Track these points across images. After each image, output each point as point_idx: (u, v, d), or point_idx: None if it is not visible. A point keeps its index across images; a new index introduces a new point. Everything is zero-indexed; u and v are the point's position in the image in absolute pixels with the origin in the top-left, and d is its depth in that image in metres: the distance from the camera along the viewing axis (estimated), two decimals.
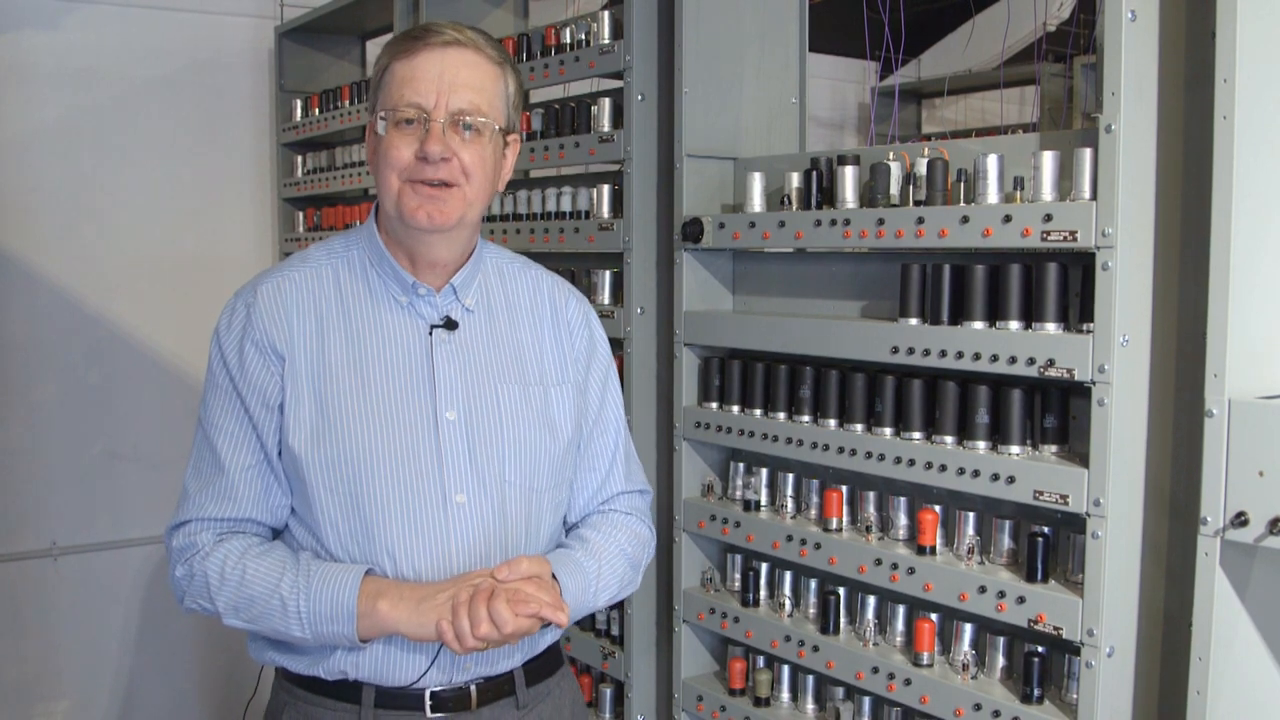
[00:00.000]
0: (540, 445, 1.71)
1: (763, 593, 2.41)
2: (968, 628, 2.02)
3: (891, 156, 2.12)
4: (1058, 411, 1.93)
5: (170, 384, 3.97)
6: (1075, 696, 1.80)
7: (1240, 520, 1.53)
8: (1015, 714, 1.87)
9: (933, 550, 2.04)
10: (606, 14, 2.67)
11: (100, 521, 3.88)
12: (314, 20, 3.99)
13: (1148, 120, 1.73)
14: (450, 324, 1.68)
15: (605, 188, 2.73)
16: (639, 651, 2.65)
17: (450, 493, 1.63)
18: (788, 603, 2.33)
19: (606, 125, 2.71)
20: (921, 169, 2.04)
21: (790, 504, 2.35)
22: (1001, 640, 1.98)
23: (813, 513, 2.31)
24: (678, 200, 2.50)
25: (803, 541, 2.24)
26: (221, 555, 1.61)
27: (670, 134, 2.54)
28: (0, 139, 3.71)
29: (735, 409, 2.42)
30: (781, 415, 2.32)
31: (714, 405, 2.47)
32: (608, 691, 2.76)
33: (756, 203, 2.36)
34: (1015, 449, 1.92)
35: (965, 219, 1.91)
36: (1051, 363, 1.80)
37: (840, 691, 2.27)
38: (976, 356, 1.91)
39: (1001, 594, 1.88)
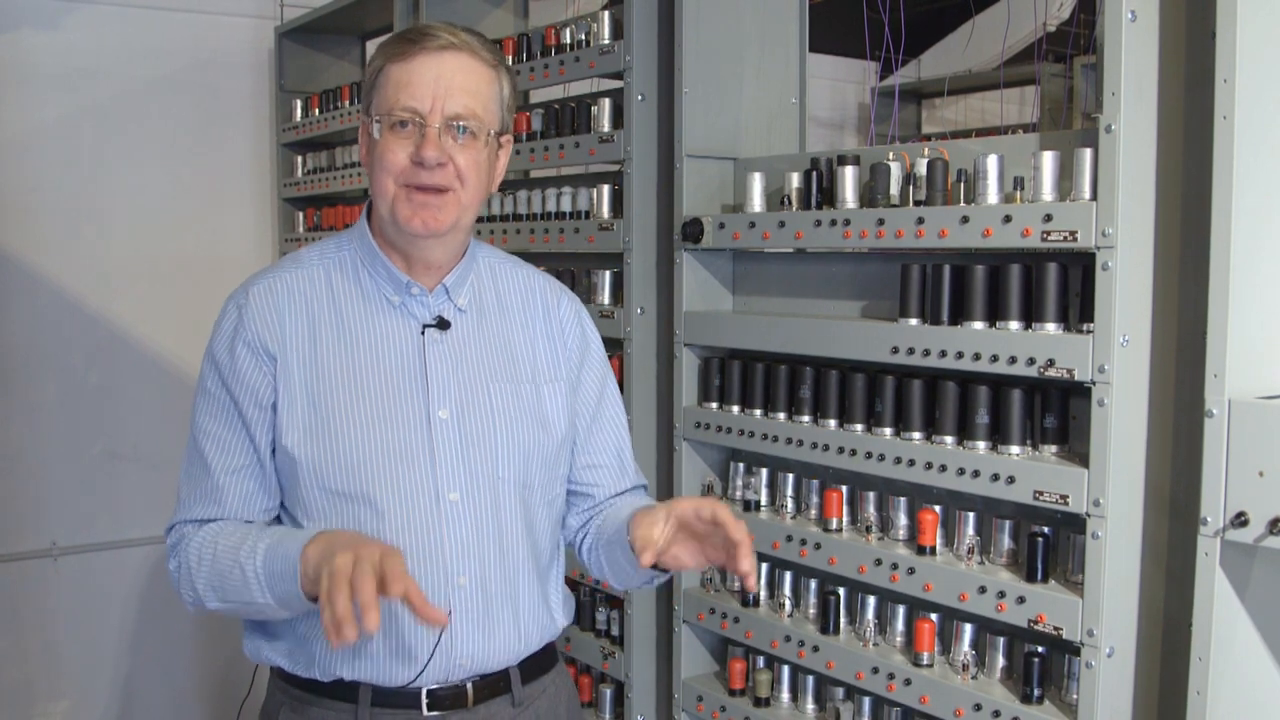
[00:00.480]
0: (534, 442, 1.71)
1: (763, 593, 2.41)
2: (968, 628, 2.02)
3: (891, 157, 2.12)
4: (1058, 411, 1.93)
5: (170, 384, 3.96)
6: (1075, 697, 1.80)
7: (1240, 520, 1.53)
8: (1015, 714, 1.87)
9: (933, 550, 2.05)
10: (606, 14, 2.67)
11: (100, 521, 3.88)
12: (314, 20, 3.99)
13: (1148, 120, 1.73)
14: (443, 323, 1.68)
15: (605, 188, 2.73)
16: (639, 651, 2.65)
17: (443, 491, 1.63)
18: (788, 603, 2.33)
19: (606, 125, 2.71)
20: (921, 169, 2.04)
21: (790, 504, 2.35)
22: (1001, 640, 1.98)
23: (813, 513, 2.31)
24: (678, 200, 2.50)
25: (803, 541, 2.24)
26: (200, 539, 1.62)
27: (670, 134, 2.54)
28: (0, 139, 3.71)
29: (735, 409, 2.42)
30: (781, 415, 2.32)
31: (714, 405, 2.47)
32: (608, 691, 2.76)
33: (756, 203, 2.36)
34: (1015, 449, 1.92)
35: (965, 219, 1.91)
36: (1051, 363, 1.80)
37: (840, 692, 2.27)
38: (976, 356, 1.91)
39: (1001, 594, 1.88)
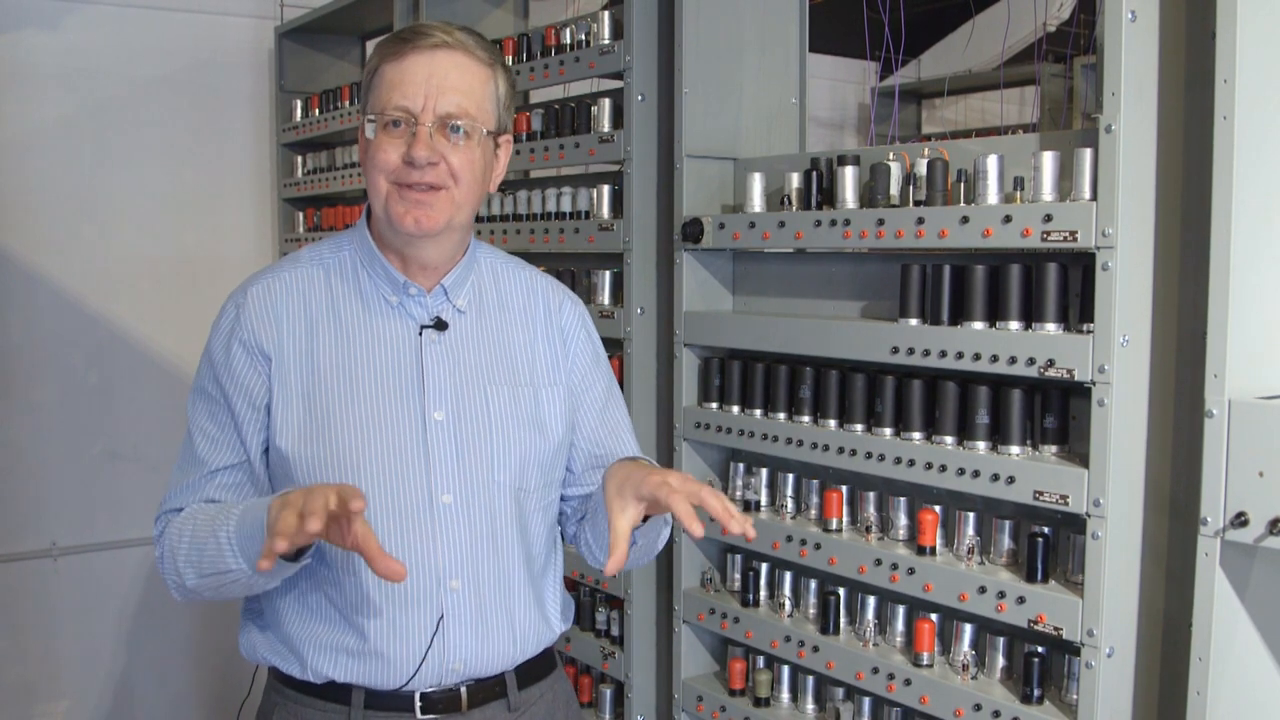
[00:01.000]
0: (530, 446, 1.70)
1: (763, 593, 2.41)
2: (968, 628, 2.02)
3: (891, 157, 2.12)
4: (1058, 412, 1.92)
5: (170, 384, 3.96)
6: (1075, 697, 1.80)
7: (1240, 520, 1.53)
8: (1015, 714, 1.87)
9: (933, 550, 2.05)
10: (606, 14, 2.67)
11: (100, 522, 3.89)
12: (314, 20, 3.99)
13: (1148, 120, 1.73)
14: (440, 324, 1.68)
15: (605, 188, 2.73)
16: (639, 651, 2.65)
17: (437, 493, 1.63)
18: (788, 603, 2.33)
19: (606, 125, 2.71)
20: (921, 169, 2.04)
21: (790, 504, 2.35)
22: (1001, 640, 1.98)
23: (813, 513, 2.31)
24: (678, 200, 2.49)
25: (803, 542, 2.24)
26: (179, 520, 1.62)
27: (670, 134, 2.54)
28: (0, 139, 3.71)
29: (735, 409, 2.42)
30: (781, 415, 2.32)
31: (714, 405, 2.47)
32: (608, 691, 2.76)
33: (756, 203, 2.36)
34: (1015, 449, 1.92)
35: (965, 219, 1.91)
36: (1051, 363, 1.80)
37: (840, 692, 2.27)
38: (976, 357, 1.91)
39: (1001, 594, 1.88)
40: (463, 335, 1.70)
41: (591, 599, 2.77)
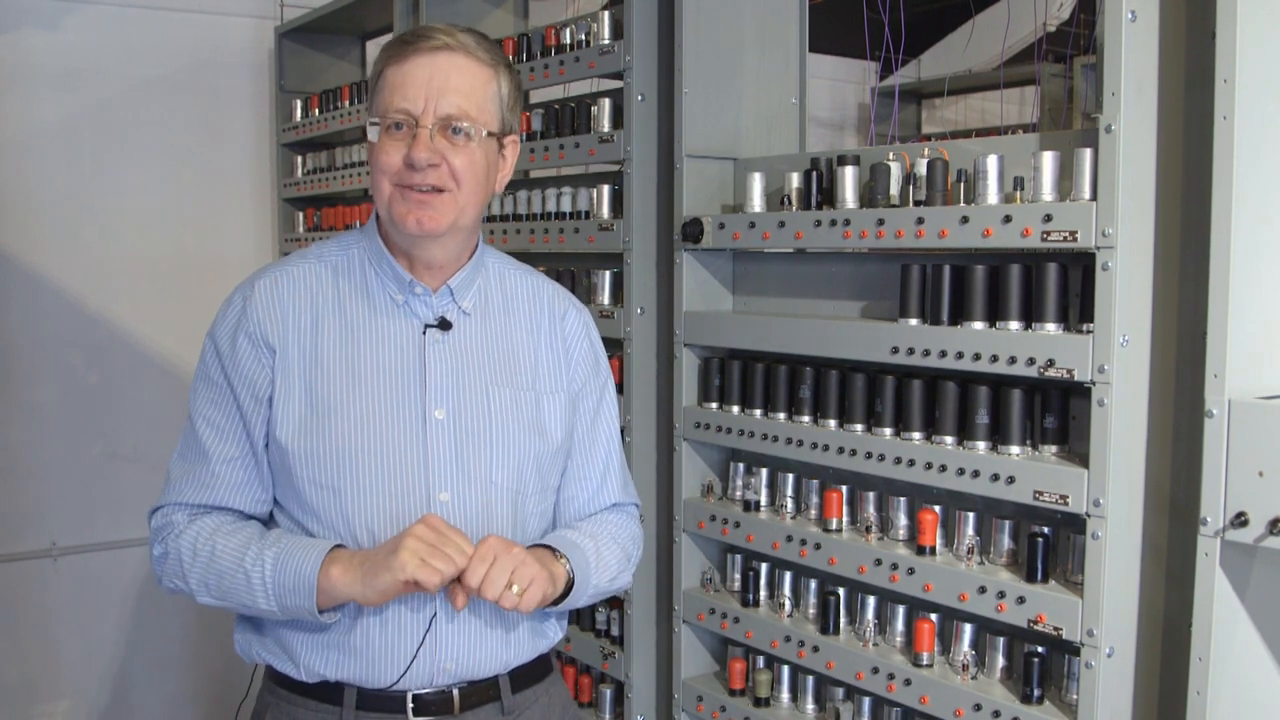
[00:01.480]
0: (529, 448, 1.71)
1: (763, 593, 2.41)
2: (968, 628, 2.02)
3: (891, 157, 2.12)
4: (1058, 412, 1.92)
5: (170, 384, 3.96)
6: (1075, 697, 1.80)
7: (1240, 520, 1.53)
8: (1015, 714, 1.87)
9: (932, 550, 2.04)
10: (606, 14, 2.67)
11: (100, 522, 3.89)
12: (314, 20, 4.00)
13: (1148, 120, 1.73)
14: (444, 324, 1.68)
15: (605, 188, 2.73)
16: (639, 651, 2.65)
17: (434, 491, 1.63)
18: (788, 603, 2.33)
19: (606, 125, 2.71)
20: (921, 169, 2.04)
21: (790, 504, 2.35)
22: (1001, 640, 1.98)
23: (813, 513, 2.31)
24: (678, 200, 2.49)
25: (803, 542, 2.24)
26: (194, 533, 1.63)
27: (670, 134, 2.54)
28: (0, 139, 3.71)
29: (735, 409, 2.42)
30: (781, 415, 2.32)
31: (714, 405, 2.47)
32: (608, 691, 2.76)
33: (756, 203, 2.36)
34: (1015, 449, 1.92)
35: (965, 219, 1.91)
36: (1051, 363, 1.80)
37: (840, 692, 2.27)
38: (976, 357, 1.91)
39: (1001, 594, 1.88)
40: (466, 337, 1.71)
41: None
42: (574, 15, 3.05)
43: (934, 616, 2.07)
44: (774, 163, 2.43)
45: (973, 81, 5.62)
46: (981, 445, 1.96)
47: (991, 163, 1.92)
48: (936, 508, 2.06)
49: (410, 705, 1.64)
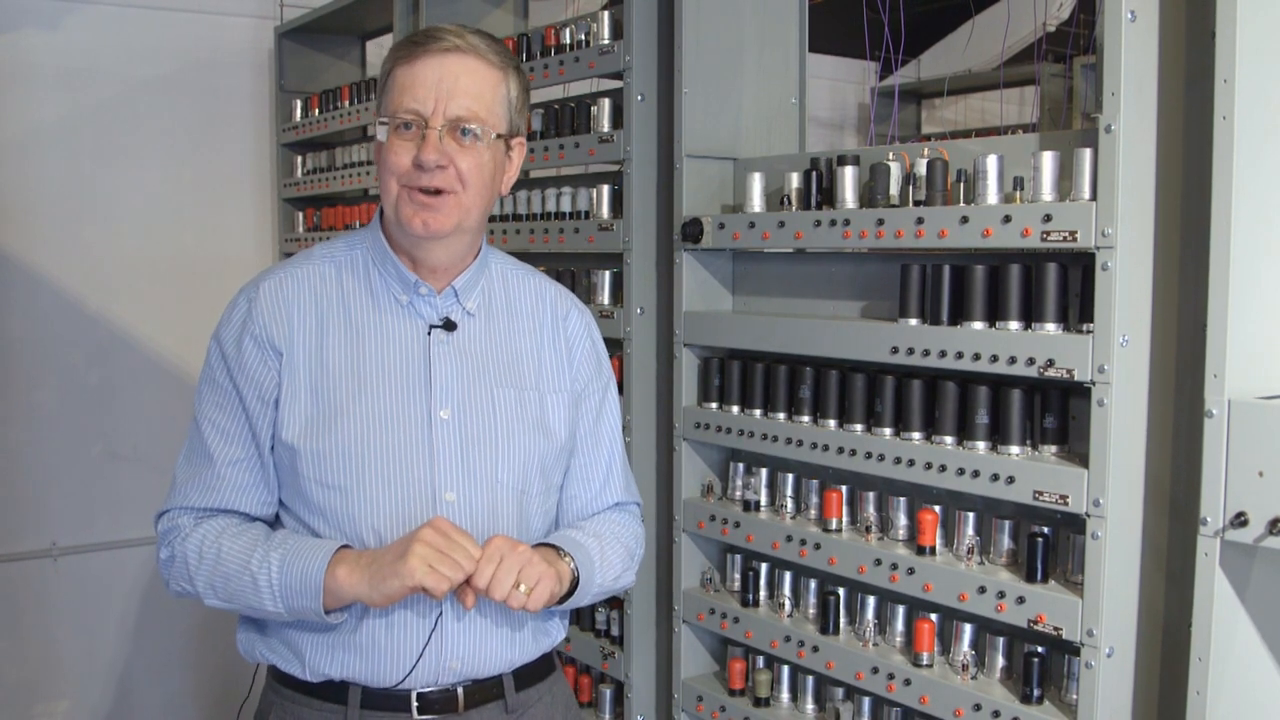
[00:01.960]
0: (534, 448, 1.71)
1: (762, 593, 2.41)
2: (967, 628, 2.02)
3: (891, 157, 2.12)
4: (1057, 412, 1.92)
5: (170, 384, 3.97)
6: (1075, 697, 1.80)
7: (1240, 520, 1.53)
8: (1015, 714, 1.87)
9: (932, 550, 2.04)
10: (606, 14, 2.67)
11: (100, 521, 3.89)
12: (314, 20, 3.99)
13: (1148, 120, 1.73)
14: (449, 325, 1.69)
15: (605, 188, 2.73)
16: (639, 651, 2.65)
17: (440, 490, 1.63)
18: (787, 603, 2.33)
19: (606, 125, 2.71)
20: (921, 169, 2.04)
21: (790, 504, 2.35)
22: (1001, 640, 1.98)
23: (812, 513, 2.31)
24: (677, 200, 2.49)
25: (802, 542, 2.24)
26: (200, 535, 1.63)
27: (670, 134, 2.54)
28: (0, 139, 3.71)
29: (735, 409, 2.42)
30: (781, 415, 2.32)
31: (714, 405, 2.47)
32: (608, 691, 2.76)
33: (756, 203, 2.36)
34: (1015, 449, 1.92)
35: (965, 219, 1.91)
36: (1051, 363, 1.80)
37: (840, 692, 2.27)
38: (976, 357, 1.91)
39: (1001, 594, 1.88)
40: (471, 337, 1.71)
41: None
42: (574, 15, 3.05)
43: (934, 616, 2.07)
44: (774, 163, 2.43)
45: (973, 81, 5.62)
46: (981, 445, 1.96)
47: (991, 163, 1.92)
48: (936, 508, 2.06)
49: (415, 704, 1.65)
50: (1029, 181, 1.86)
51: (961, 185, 1.96)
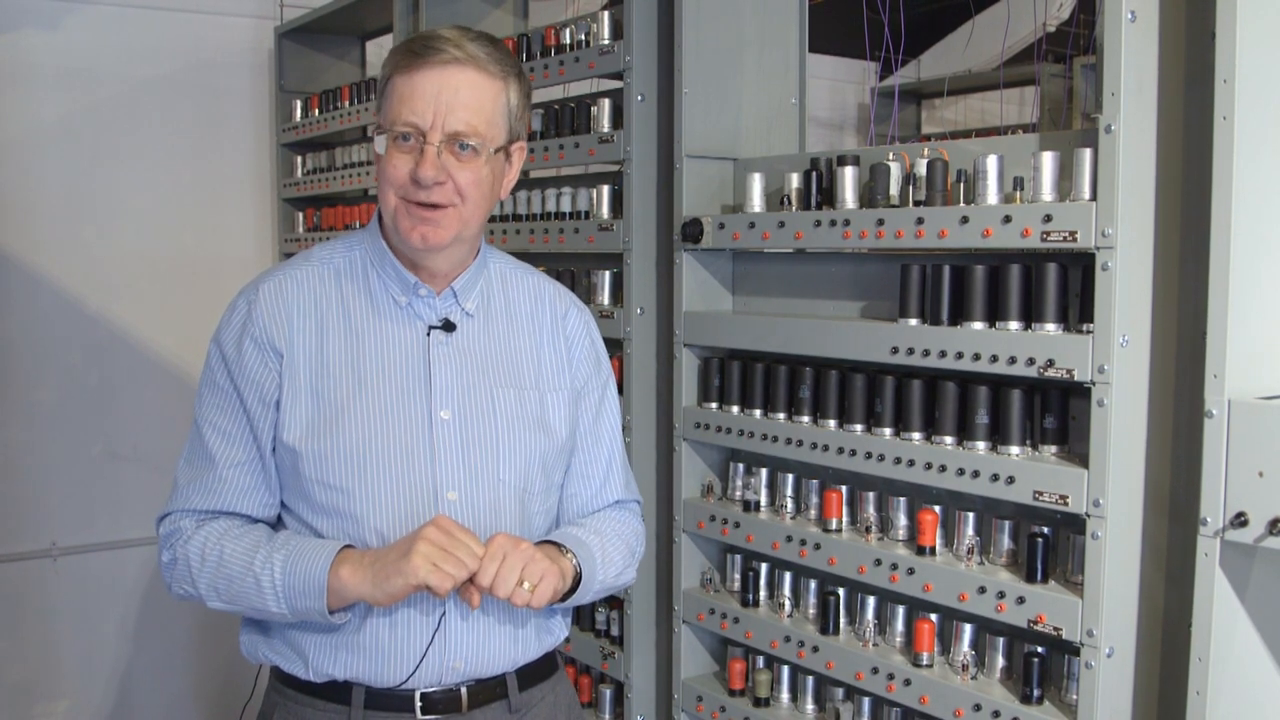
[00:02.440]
0: (535, 447, 1.71)
1: (762, 593, 2.41)
2: (967, 628, 2.02)
3: (891, 157, 2.12)
4: (1057, 412, 1.92)
5: (170, 384, 3.96)
6: (1075, 697, 1.80)
7: (1240, 521, 1.53)
8: (1015, 714, 1.87)
9: (932, 551, 2.04)
10: (606, 14, 2.67)
11: (100, 522, 3.89)
12: (314, 20, 3.99)
13: (1148, 120, 1.73)
14: (448, 325, 1.69)
15: (605, 188, 2.73)
16: (639, 651, 2.65)
17: (442, 490, 1.64)
18: (787, 603, 2.33)
19: (606, 125, 2.71)
20: (921, 169, 2.04)
21: (790, 504, 2.35)
22: (1001, 641, 1.98)
23: (812, 513, 2.31)
24: (677, 200, 2.49)
25: (802, 542, 2.24)
26: (202, 538, 1.63)
27: (670, 134, 2.54)
28: (0, 139, 3.71)
29: (735, 409, 2.42)
30: (781, 416, 2.32)
31: (714, 405, 2.47)
32: (608, 691, 2.76)
33: (756, 203, 2.36)
34: (1015, 449, 1.92)
35: (965, 219, 1.91)
36: (1051, 363, 1.80)
37: (840, 692, 2.27)
38: (976, 357, 1.91)
39: (1001, 594, 1.88)
40: (470, 338, 1.71)
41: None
42: (574, 15, 3.05)
43: (934, 617, 2.07)
44: (774, 163, 2.43)
45: (972, 82, 5.62)
46: (981, 445, 1.96)
47: (991, 163, 1.92)
48: (936, 508, 2.06)
49: (419, 704, 1.65)
50: (1029, 182, 1.86)
51: (961, 185, 1.96)
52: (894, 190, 2.10)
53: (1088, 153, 1.75)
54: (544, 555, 1.60)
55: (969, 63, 5.47)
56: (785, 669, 2.37)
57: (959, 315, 1.98)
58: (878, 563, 2.09)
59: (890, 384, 2.11)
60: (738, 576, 2.46)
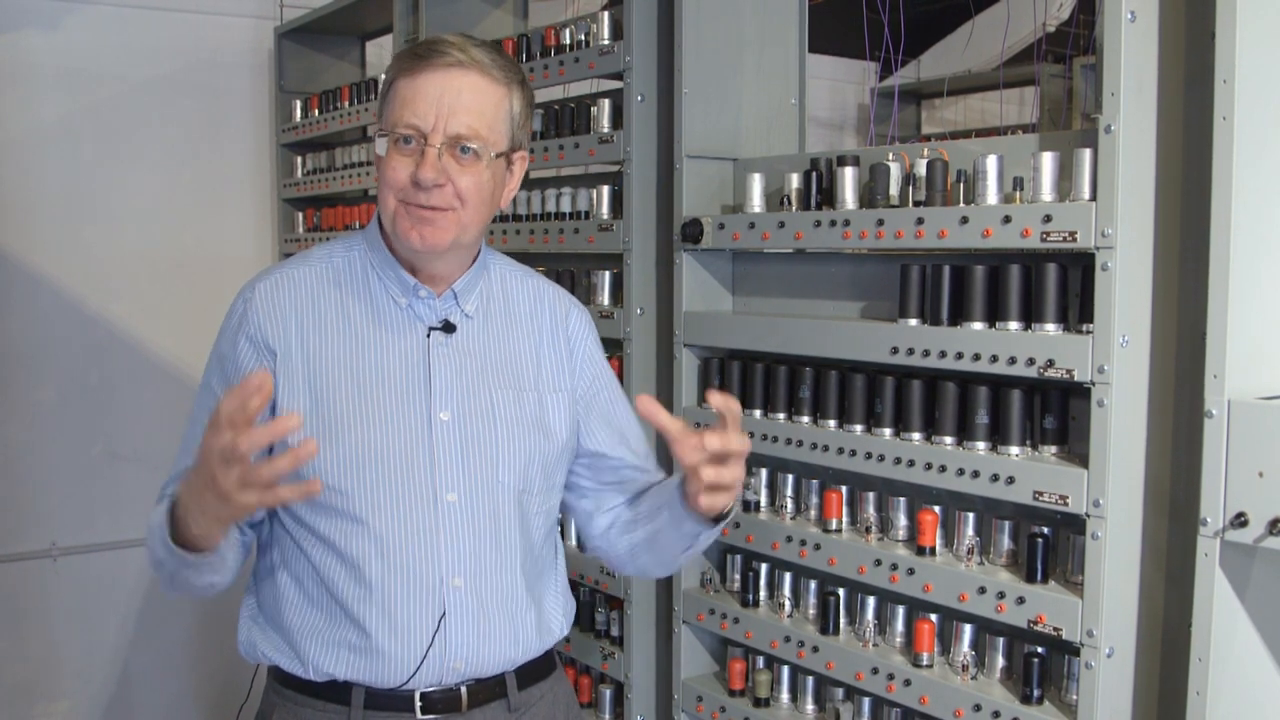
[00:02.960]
0: (534, 448, 1.71)
1: (762, 593, 2.41)
2: (967, 628, 2.02)
3: (891, 157, 2.12)
4: (1057, 412, 1.92)
5: (170, 384, 3.96)
6: (1075, 697, 1.80)
7: (1240, 521, 1.53)
8: (1015, 715, 1.87)
9: (932, 551, 2.04)
10: (606, 14, 2.67)
11: (100, 522, 3.88)
12: (314, 21, 3.99)
13: (1147, 120, 1.73)
14: (448, 327, 1.69)
15: (605, 188, 2.73)
16: (639, 651, 2.65)
17: (441, 491, 1.63)
18: (787, 603, 2.33)
19: (606, 126, 2.71)
20: (921, 170, 2.04)
21: (790, 505, 2.35)
22: (1001, 641, 1.98)
23: (812, 513, 2.31)
24: (677, 201, 2.49)
25: (802, 542, 2.24)
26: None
27: (670, 134, 2.54)
28: (0, 139, 3.71)
29: None
30: (781, 416, 2.32)
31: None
32: (608, 692, 2.76)
33: (756, 203, 2.36)
34: (1015, 450, 1.92)
35: (965, 220, 1.91)
36: (1051, 363, 1.80)
37: (840, 692, 2.27)
38: (976, 357, 1.91)
39: (1001, 595, 1.88)
40: (469, 339, 1.71)
41: (591, 599, 2.77)
42: (574, 15, 3.05)
43: (934, 617, 2.07)
44: (774, 163, 2.43)
45: (972, 82, 5.62)
46: (981, 445, 1.96)
47: (991, 163, 1.92)
48: (936, 508, 2.06)
49: (418, 704, 1.65)
50: (1029, 182, 1.86)
51: (961, 185, 1.96)
52: (894, 190, 2.10)
53: (1087, 153, 1.75)
54: None
55: (969, 63, 5.47)
56: (785, 669, 2.37)
57: (959, 315, 1.98)
58: (878, 563, 2.09)
59: (890, 384, 2.11)
60: (738, 577, 2.46)
